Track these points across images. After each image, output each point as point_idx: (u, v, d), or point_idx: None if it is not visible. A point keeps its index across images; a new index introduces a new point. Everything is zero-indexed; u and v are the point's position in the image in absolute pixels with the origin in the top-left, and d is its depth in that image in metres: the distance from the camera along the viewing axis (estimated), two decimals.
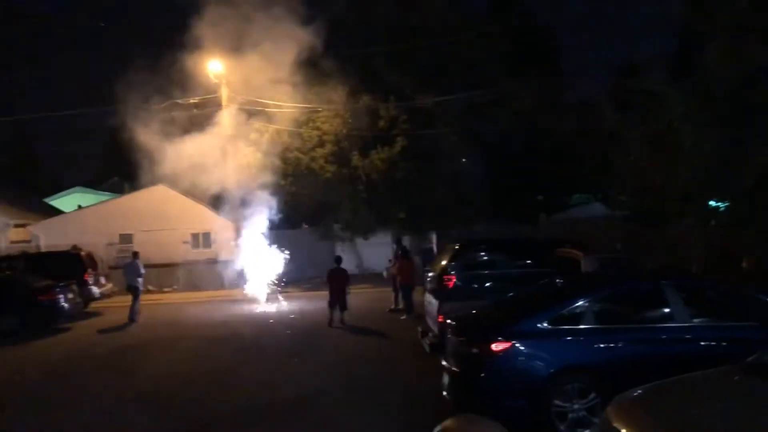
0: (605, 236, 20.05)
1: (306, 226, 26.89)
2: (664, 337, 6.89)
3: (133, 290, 17.26)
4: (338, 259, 16.42)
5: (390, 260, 18.38)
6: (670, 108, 14.89)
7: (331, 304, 15.12)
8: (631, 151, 16.61)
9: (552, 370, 6.64)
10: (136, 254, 18.12)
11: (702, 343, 6.76)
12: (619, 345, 6.75)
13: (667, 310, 7.05)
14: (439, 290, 12.44)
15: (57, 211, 32.45)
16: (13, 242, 25.88)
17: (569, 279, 8.86)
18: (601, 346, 6.75)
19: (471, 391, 6.93)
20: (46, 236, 25.73)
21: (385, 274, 17.63)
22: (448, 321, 7.94)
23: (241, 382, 9.89)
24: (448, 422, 1.88)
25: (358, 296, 16.55)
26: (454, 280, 13.07)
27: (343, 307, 15.17)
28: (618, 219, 21.60)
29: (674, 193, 15.47)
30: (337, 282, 15.23)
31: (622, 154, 17.06)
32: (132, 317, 16.88)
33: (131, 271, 17.45)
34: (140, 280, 17.52)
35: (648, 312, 7.24)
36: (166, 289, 24.10)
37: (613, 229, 20.94)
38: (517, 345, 6.73)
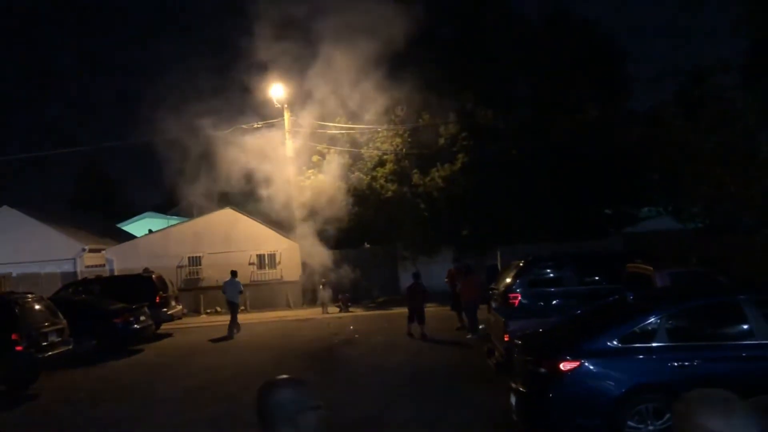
0: (678, 249, 19.36)
1: (368, 246, 26.97)
2: (744, 354, 6.55)
3: (233, 306, 18.56)
4: (416, 275, 17.11)
5: (446, 280, 18.25)
6: (743, 114, 14.32)
7: (411, 318, 15.92)
8: (703, 160, 16.02)
9: (624, 390, 6.39)
10: (234, 273, 19.34)
11: None
12: (695, 363, 6.45)
13: (746, 326, 6.70)
14: (505, 308, 12.22)
15: (129, 236, 33.64)
16: (88, 266, 26.93)
17: (641, 295, 8.54)
18: (676, 364, 6.46)
19: (539, 411, 6.74)
20: (119, 260, 26.65)
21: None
22: (515, 340, 7.78)
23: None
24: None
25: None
26: (520, 297, 12.83)
27: (421, 320, 15.72)
28: (690, 231, 20.84)
29: (752, 203, 14.82)
30: (415, 297, 15.97)
31: (692, 164, 16.47)
32: (231, 332, 18.09)
33: (231, 288, 18.78)
34: (239, 296, 19.03)
35: (726, 329, 6.90)
36: None
37: (685, 242, 20.20)
38: (587, 364, 6.52)
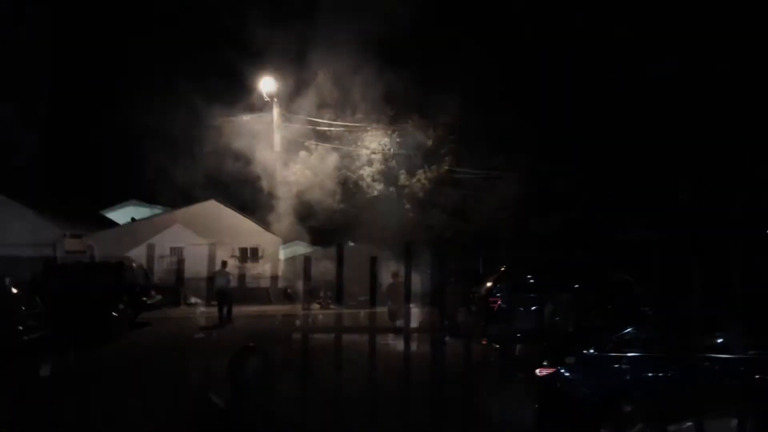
0: (661, 260, 19.46)
1: (351, 244, 26.95)
2: (717, 368, 6.61)
3: (223, 295, 18.80)
4: (396, 274, 17.73)
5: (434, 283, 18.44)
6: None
7: (391, 316, 16.52)
8: (689, 173, 16.21)
9: (598, 397, 6.44)
10: (225, 263, 19.84)
11: (757, 376, 6.46)
12: (669, 374, 6.51)
13: (721, 339, 6.77)
14: (485, 312, 12.26)
15: (112, 223, 33.23)
16: (68, 252, 26.53)
17: (620, 304, 8.63)
18: (650, 375, 6.52)
19: (514, 415, 6.79)
20: (100, 247, 26.30)
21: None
22: (493, 344, 7.82)
23: (299, 401, 9.75)
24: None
25: None
26: (500, 302, 12.86)
27: (399, 317, 16.40)
28: (674, 243, 20.96)
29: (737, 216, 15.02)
30: (395, 295, 16.73)
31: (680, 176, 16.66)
32: (229, 318, 18.60)
33: (221, 278, 19.07)
34: (231, 286, 19.23)
35: (702, 341, 6.96)
36: (213, 303, 24.39)
37: (669, 253, 20.30)
38: (563, 371, 6.56)
